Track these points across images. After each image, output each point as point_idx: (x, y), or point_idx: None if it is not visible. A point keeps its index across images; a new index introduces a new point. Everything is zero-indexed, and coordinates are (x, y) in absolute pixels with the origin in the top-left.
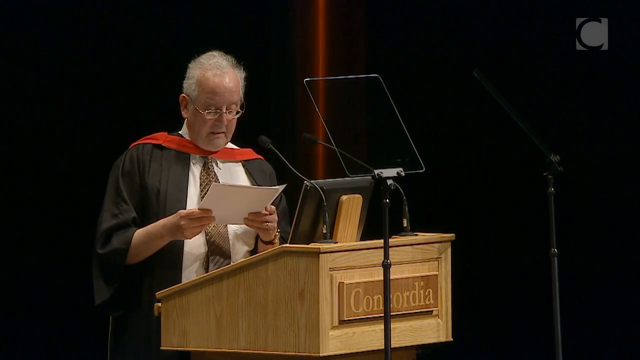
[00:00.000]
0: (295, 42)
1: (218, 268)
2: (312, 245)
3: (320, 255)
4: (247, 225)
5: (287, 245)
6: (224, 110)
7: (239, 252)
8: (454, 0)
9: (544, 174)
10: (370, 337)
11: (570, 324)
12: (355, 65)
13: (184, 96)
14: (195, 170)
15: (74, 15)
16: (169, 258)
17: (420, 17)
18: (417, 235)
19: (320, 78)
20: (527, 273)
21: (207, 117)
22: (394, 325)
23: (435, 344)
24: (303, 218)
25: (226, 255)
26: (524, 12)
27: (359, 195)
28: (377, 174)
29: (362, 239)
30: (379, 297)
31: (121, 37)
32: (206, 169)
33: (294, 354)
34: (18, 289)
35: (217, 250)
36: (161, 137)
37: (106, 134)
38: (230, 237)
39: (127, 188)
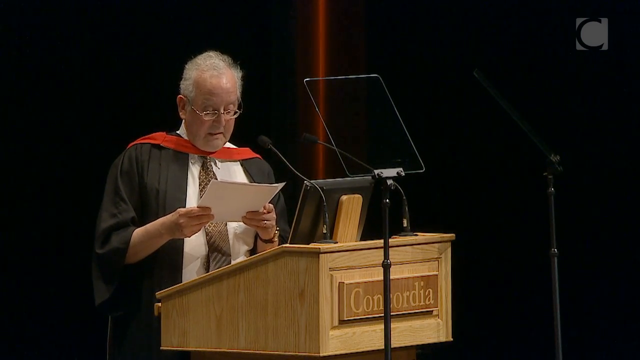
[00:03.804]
0: (296, 42)
1: (218, 268)
2: (312, 245)
3: (320, 255)
4: (245, 223)
5: (287, 245)
6: (222, 111)
7: (239, 252)
8: (454, 0)
9: (544, 174)
10: (370, 337)
11: (570, 324)
12: (355, 65)
13: (181, 97)
14: (194, 170)
15: (73, 14)
16: (169, 258)
17: (420, 17)
18: (417, 235)
19: (320, 78)
20: (527, 273)
21: (205, 119)
22: (394, 325)
23: (435, 344)
24: (303, 218)
25: (226, 255)
26: (524, 12)
27: (359, 195)
28: (377, 174)
29: (362, 239)
30: (379, 297)
31: (120, 36)
32: (205, 169)
33: (294, 354)
34: (18, 289)
35: (217, 250)
36: (159, 137)
37: (105, 134)
38: (230, 236)
39: (125, 188)
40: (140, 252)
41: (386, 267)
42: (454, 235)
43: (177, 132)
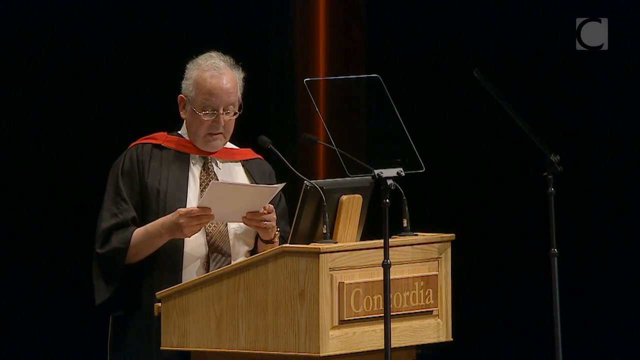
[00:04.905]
0: (295, 42)
1: (218, 268)
2: (312, 245)
3: (320, 255)
4: (246, 224)
5: (287, 245)
6: (221, 112)
7: (239, 252)
8: (454, 0)
9: (544, 174)
10: (370, 337)
11: (570, 324)
12: (355, 65)
13: (182, 97)
14: (195, 170)
15: (74, 15)
16: (169, 258)
17: (419, 17)
18: (417, 235)
19: (320, 78)
20: (527, 273)
21: (204, 119)
22: (394, 325)
23: (435, 344)
24: (303, 218)
25: (226, 255)
26: (524, 12)
27: (359, 195)
28: (377, 174)
29: (362, 239)
30: (379, 297)
31: (121, 37)
32: (206, 169)
33: (294, 354)
34: (18, 289)
35: (217, 250)
36: (160, 137)
37: (106, 134)
38: (231, 237)
39: (126, 188)
40: (141, 252)
41: (386, 267)
42: (454, 235)
43: (179, 132)
